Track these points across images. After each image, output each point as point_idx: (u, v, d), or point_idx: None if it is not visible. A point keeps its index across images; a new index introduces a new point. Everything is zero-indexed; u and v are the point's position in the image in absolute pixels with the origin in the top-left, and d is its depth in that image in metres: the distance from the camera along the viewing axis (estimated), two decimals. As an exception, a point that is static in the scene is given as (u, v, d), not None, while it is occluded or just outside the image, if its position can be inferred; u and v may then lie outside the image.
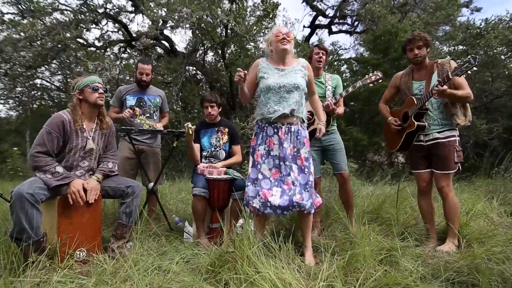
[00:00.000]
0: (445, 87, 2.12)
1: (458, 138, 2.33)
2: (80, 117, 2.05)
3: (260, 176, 2.07)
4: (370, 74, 2.58)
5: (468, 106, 2.31)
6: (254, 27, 7.13)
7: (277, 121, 2.08)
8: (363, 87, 2.67)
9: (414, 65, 2.44)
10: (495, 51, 8.37)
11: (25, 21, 7.40)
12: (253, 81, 2.18)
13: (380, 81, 2.56)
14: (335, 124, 2.79)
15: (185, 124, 2.47)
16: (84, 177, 2.08)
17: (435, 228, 2.43)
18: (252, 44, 8.28)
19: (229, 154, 2.80)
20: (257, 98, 2.21)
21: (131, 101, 2.93)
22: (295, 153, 2.07)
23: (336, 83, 2.76)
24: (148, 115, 2.96)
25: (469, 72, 2.04)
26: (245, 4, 7.68)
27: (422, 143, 2.38)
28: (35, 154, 1.89)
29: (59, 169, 1.92)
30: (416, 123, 2.31)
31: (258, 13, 7.57)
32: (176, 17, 6.63)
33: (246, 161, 5.76)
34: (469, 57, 2.04)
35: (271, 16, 7.61)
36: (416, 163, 2.44)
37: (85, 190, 1.97)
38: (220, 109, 2.78)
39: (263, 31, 7.47)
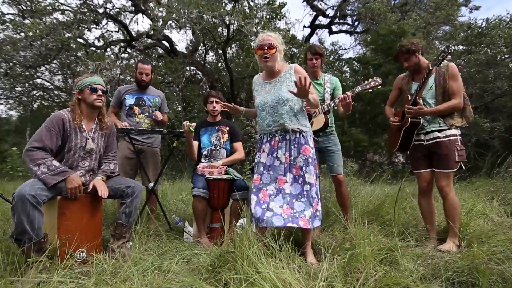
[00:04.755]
0: (419, 106, 2.27)
1: (460, 137, 2.33)
2: (79, 116, 2.04)
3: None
4: (370, 80, 2.56)
5: (467, 108, 2.31)
6: (265, 28, 7.12)
7: (271, 131, 2.12)
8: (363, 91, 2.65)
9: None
10: (498, 49, 8.37)
11: (26, 21, 7.40)
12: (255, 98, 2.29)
13: (379, 87, 2.56)
14: (333, 125, 2.78)
15: (184, 123, 2.43)
16: (84, 177, 2.07)
17: (435, 228, 2.43)
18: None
19: (231, 153, 2.81)
20: None
21: (130, 100, 2.93)
22: (291, 162, 2.07)
23: (334, 85, 2.76)
24: (147, 114, 2.96)
25: (445, 60, 2.18)
26: (251, 4, 7.69)
27: (423, 142, 2.38)
28: (29, 148, 1.87)
29: (55, 162, 1.90)
30: (410, 119, 2.33)
31: (259, 14, 7.56)
32: (183, 20, 6.61)
33: (247, 161, 5.75)
34: (444, 47, 2.16)
35: (279, 17, 7.63)
36: (417, 163, 2.44)
37: (86, 189, 1.96)
38: (221, 109, 2.80)
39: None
